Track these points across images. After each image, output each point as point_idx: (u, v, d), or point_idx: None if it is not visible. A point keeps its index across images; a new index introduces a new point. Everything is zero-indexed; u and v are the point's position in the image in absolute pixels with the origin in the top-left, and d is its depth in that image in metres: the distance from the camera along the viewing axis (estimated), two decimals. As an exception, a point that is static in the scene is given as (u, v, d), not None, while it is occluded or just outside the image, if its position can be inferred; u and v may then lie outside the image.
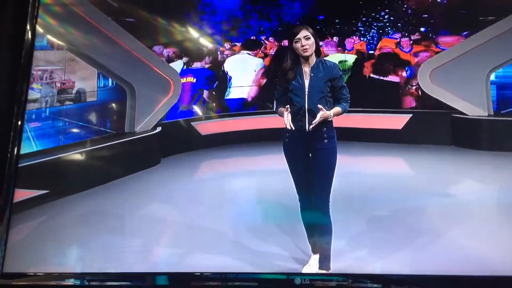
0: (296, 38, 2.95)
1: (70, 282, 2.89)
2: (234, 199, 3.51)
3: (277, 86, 3.11)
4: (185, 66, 4.24)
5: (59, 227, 3.24)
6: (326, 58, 3.12)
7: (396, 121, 3.91)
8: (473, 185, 3.53)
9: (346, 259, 2.93)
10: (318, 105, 2.84)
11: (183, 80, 4.18)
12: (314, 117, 2.84)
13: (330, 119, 2.90)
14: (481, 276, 2.79)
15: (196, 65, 4.26)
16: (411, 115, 3.92)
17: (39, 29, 3.44)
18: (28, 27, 3.31)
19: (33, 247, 3.07)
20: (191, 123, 4.00)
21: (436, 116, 3.87)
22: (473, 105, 3.76)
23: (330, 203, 2.94)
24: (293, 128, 2.86)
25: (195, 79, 4.20)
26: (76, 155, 3.66)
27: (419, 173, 3.74)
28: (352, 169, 3.62)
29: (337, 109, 2.94)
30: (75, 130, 3.81)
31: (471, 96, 3.78)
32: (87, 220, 3.28)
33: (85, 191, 3.52)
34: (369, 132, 3.91)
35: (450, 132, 3.81)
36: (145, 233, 3.16)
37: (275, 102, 3.14)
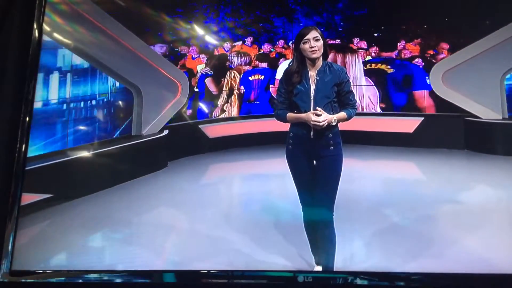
0: (305, 38, 2.98)
1: (78, 279, 3.02)
2: (242, 202, 3.59)
3: (279, 88, 3.12)
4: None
5: (64, 230, 3.36)
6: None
7: (407, 124, 3.93)
8: (487, 191, 3.54)
9: (353, 262, 3.05)
10: (317, 107, 2.89)
11: (251, 77, 4.25)
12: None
13: (333, 124, 2.94)
14: (490, 274, 2.89)
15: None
16: (422, 118, 3.92)
17: (46, 27, 3.56)
18: (35, 25, 3.45)
19: (38, 252, 3.20)
20: (199, 126, 4.05)
21: (448, 119, 3.86)
22: (487, 108, 3.76)
23: (334, 213, 2.96)
24: (320, 121, 2.87)
25: (263, 76, 4.25)
26: (81, 158, 3.74)
27: (431, 177, 3.77)
28: (361, 173, 3.69)
29: (342, 114, 2.98)
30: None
31: (484, 99, 3.77)
32: (93, 223, 3.41)
33: (90, 194, 3.62)
34: (379, 136, 3.92)
35: (463, 135, 3.78)
36: (152, 234, 3.28)
37: (276, 105, 3.15)
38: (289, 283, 2.93)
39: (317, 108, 2.92)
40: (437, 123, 3.91)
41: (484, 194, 3.52)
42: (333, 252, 3.00)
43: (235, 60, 4.23)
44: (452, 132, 3.85)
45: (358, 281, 2.91)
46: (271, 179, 3.59)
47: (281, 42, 4.30)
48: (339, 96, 3.04)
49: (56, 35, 3.78)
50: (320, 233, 3.01)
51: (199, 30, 4.13)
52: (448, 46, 3.97)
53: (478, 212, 3.36)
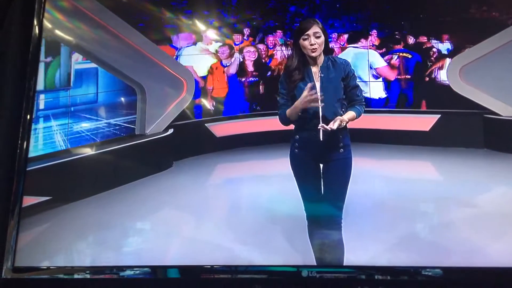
0: (305, 34, 3.01)
1: (82, 275, 3.20)
2: (250, 202, 3.70)
3: (280, 89, 3.14)
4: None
5: (66, 230, 3.56)
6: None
7: (423, 122, 3.94)
8: (507, 191, 3.60)
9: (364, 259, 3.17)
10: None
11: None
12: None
13: (342, 126, 2.96)
14: (495, 267, 3.05)
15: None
16: (439, 115, 3.92)
17: (46, 24, 3.75)
18: (35, 22, 3.63)
19: (40, 250, 3.42)
20: (205, 124, 4.12)
21: (466, 116, 3.85)
22: (508, 104, 3.78)
23: (343, 221, 3.06)
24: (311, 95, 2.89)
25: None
26: (83, 159, 3.89)
27: (448, 178, 3.80)
28: (376, 173, 3.75)
29: (351, 113, 3.03)
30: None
31: (505, 95, 3.79)
32: (96, 223, 3.61)
33: (92, 196, 3.77)
34: (394, 134, 3.92)
35: (482, 134, 3.81)
36: (156, 233, 3.49)
37: (279, 109, 3.16)
38: (293, 278, 3.08)
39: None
40: (454, 121, 3.90)
41: (504, 195, 3.58)
42: (342, 263, 3.06)
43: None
44: (471, 130, 3.86)
45: (365, 276, 3.06)
46: (280, 178, 3.58)
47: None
48: (345, 91, 3.08)
49: (56, 32, 3.94)
50: (327, 243, 3.09)
51: (201, 26, 4.23)
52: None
53: (498, 214, 3.45)
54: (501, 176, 3.70)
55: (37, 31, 3.69)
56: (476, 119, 3.84)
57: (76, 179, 3.82)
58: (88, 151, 3.94)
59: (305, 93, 2.97)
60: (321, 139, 3.06)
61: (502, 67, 3.86)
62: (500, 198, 3.58)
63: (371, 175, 3.71)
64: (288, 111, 3.13)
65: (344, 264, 3.11)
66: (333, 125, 2.94)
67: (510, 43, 3.84)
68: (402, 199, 3.64)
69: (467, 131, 3.90)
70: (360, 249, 3.26)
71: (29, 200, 3.55)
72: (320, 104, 3.05)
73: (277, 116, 3.39)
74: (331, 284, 3.11)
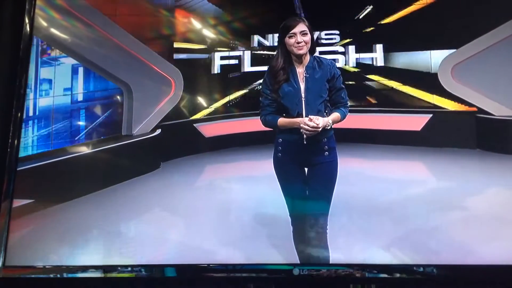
0: (291, 32, 3.00)
1: (77, 274, 3.28)
2: (240, 204, 3.78)
3: (263, 89, 3.12)
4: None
5: (53, 232, 3.64)
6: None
7: (415, 121, 4.00)
8: (500, 192, 3.68)
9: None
10: (310, 116, 2.90)
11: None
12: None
13: (328, 127, 2.96)
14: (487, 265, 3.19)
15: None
16: (431, 115, 3.98)
17: (41, 22, 3.85)
18: (26, 20, 3.70)
19: (31, 249, 3.50)
20: (194, 124, 4.18)
21: (459, 116, 3.92)
22: (500, 104, 3.85)
23: (328, 226, 3.08)
24: (319, 126, 2.88)
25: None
26: (67, 161, 3.96)
27: (440, 178, 3.87)
28: (365, 174, 3.82)
29: (336, 115, 3.03)
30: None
31: (498, 94, 3.85)
32: (83, 225, 3.69)
33: (77, 198, 3.85)
34: (384, 134, 3.98)
35: (474, 134, 3.87)
36: (149, 231, 3.61)
37: (262, 109, 3.14)
38: (287, 276, 3.18)
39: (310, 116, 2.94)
40: (446, 121, 3.96)
41: (497, 196, 3.66)
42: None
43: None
44: (463, 130, 3.91)
45: (357, 274, 3.16)
46: (270, 178, 3.50)
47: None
48: (330, 93, 3.09)
49: (43, 32, 4.00)
50: (312, 250, 3.12)
51: (196, 24, 4.29)
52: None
53: (490, 214, 3.55)
54: (494, 176, 3.78)
55: (28, 29, 3.75)
56: (468, 119, 3.91)
57: (62, 180, 3.90)
58: (74, 152, 4.02)
59: (309, 123, 2.95)
60: (305, 142, 3.07)
61: (495, 66, 3.93)
62: (493, 198, 3.66)
63: (361, 176, 3.79)
64: (281, 121, 3.12)
65: (338, 262, 3.22)
66: (318, 120, 2.95)
67: (504, 41, 3.92)
68: (394, 200, 3.72)
69: (460, 131, 3.95)
70: (354, 248, 3.37)
71: (17, 202, 3.63)
72: (304, 106, 3.08)
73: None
74: (324, 282, 3.23)
